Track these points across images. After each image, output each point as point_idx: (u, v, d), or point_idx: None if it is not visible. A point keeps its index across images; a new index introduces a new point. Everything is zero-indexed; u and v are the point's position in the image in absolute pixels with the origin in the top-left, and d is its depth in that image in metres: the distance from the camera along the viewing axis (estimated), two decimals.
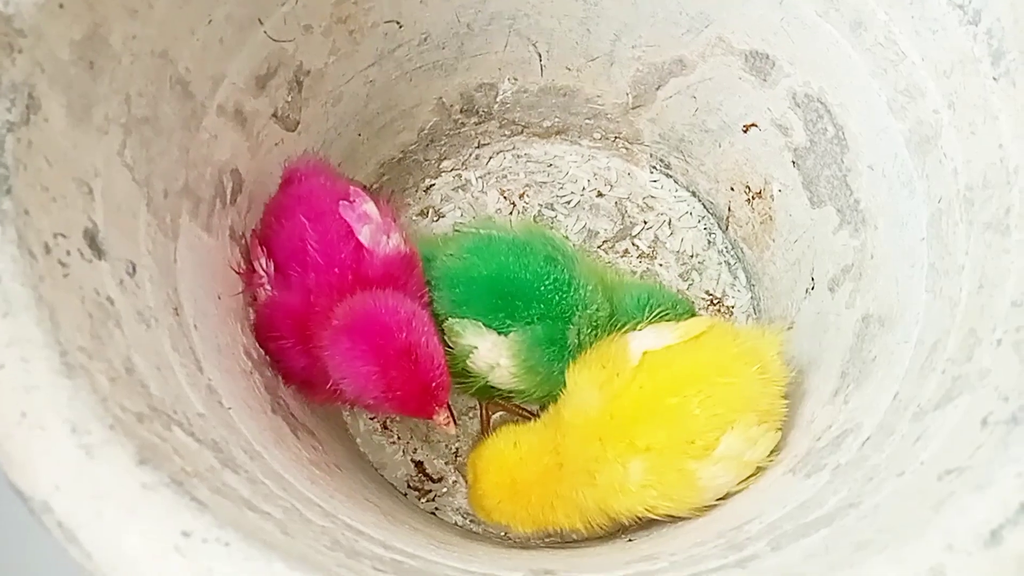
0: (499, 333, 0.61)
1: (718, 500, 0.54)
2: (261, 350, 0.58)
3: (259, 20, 0.57)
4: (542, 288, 0.61)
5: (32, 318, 0.35)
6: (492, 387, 0.63)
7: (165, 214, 0.50)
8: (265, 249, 0.59)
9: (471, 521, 0.69)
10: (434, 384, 0.54)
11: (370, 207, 0.60)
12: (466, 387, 0.65)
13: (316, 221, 0.58)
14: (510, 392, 0.63)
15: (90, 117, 0.44)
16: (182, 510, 0.32)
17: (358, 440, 0.72)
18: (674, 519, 0.57)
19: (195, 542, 0.32)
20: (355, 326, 0.54)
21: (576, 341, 0.60)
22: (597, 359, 0.58)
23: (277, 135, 0.63)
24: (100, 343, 0.38)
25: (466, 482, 0.70)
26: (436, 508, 0.70)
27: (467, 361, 0.61)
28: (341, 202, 0.59)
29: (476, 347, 0.61)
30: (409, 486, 0.71)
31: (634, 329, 0.59)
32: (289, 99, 0.63)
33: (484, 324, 0.61)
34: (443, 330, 0.61)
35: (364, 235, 0.58)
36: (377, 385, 0.53)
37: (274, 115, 0.62)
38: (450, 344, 0.62)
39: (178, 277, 0.50)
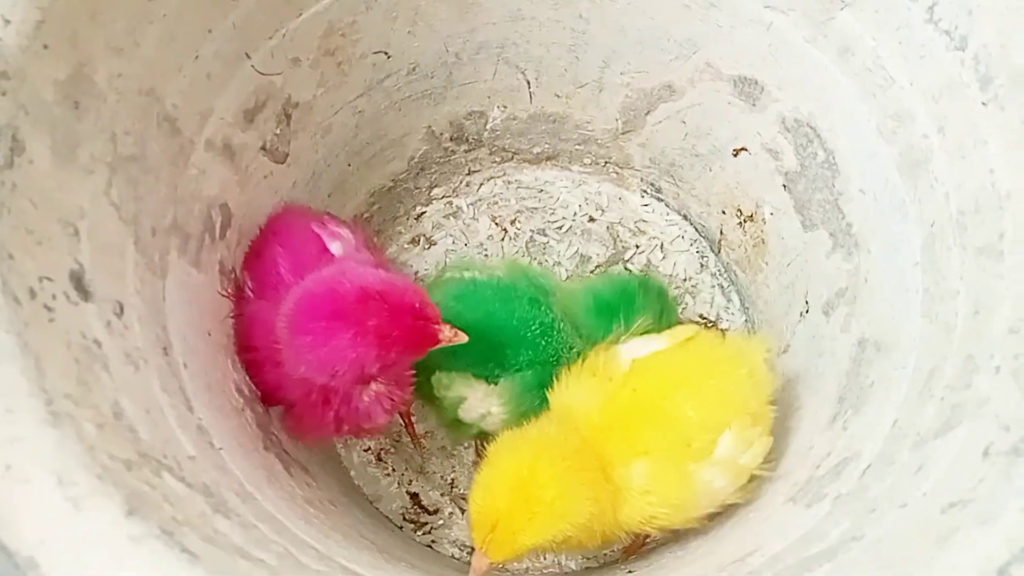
0: (488, 382, 0.60)
1: (715, 513, 0.54)
2: (253, 385, 0.58)
3: (246, 54, 0.57)
4: (529, 334, 0.60)
5: (17, 367, 0.34)
6: (485, 433, 0.62)
7: (153, 252, 0.49)
8: (248, 272, 0.59)
9: (468, 553, 0.68)
10: (418, 304, 0.52)
11: (344, 230, 0.60)
12: (459, 436, 0.65)
13: (288, 247, 0.58)
14: None
15: (75, 157, 0.44)
16: (172, 562, 0.32)
17: (352, 473, 0.71)
18: (675, 536, 0.57)
19: None
20: (317, 300, 0.52)
21: None
22: (587, 369, 0.58)
23: (266, 168, 0.63)
24: (87, 389, 0.38)
25: (463, 512, 0.70)
26: (432, 541, 0.69)
27: (458, 411, 0.61)
28: (314, 224, 0.60)
29: (466, 398, 0.60)
30: (405, 519, 0.70)
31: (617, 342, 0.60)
32: (278, 132, 0.63)
33: (473, 375, 0.60)
34: (431, 383, 0.61)
35: (335, 248, 0.59)
36: (367, 341, 0.50)
37: (263, 148, 0.62)
38: (439, 396, 0.61)
39: (167, 315, 0.49)
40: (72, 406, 0.36)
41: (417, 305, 0.52)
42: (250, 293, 0.58)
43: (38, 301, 0.38)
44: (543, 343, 0.60)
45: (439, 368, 0.60)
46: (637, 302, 0.65)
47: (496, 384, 0.60)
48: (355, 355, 0.50)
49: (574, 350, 0.60)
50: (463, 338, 0.54)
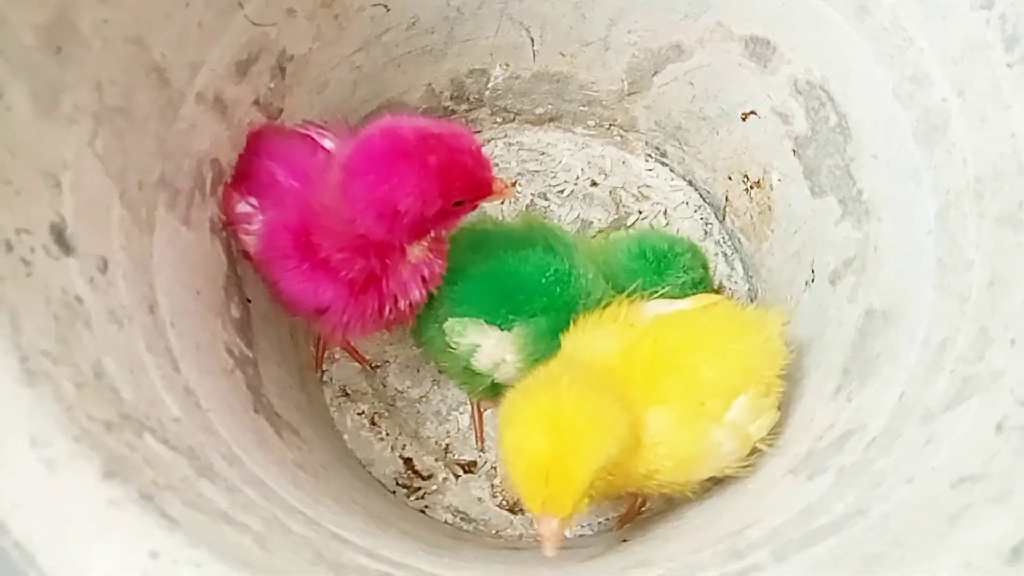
0: (501, 329, 0.59)
1: (710, 482, 0.54)
2: (244, 346, 0.56)
3: (239, 3, 0.55)
4: (543, 280, 0.59)
5: None
6: (498, 385, 0.60)
7: (140, 207, 0.48)
8: (244, 190, 0.57)
9: (461, 519, 0.67)
10: (474, 148, 0.51)
11: (322, 129, 0.60)
12: (472, 387, 0.63)
13: (279, 156, 0.57)
14: None
15: (58, 106, 0.42)
16: (151, 528, 0.30)
17: (345, 437, 0.70)
18: (670, 506, 0.56)
19: (165, 563, 0.30)
20: (378, 141, 0.51)
21: None
22: (607, 316, 0.57)
23: (259, 123, 0.61)
24: (67, 346, 0.36)
25: (456, 478, 0.69)
26: (426, 506, 0.68)
27: (471, 360, 0.59)
28: (298, 128, 0.60)
29: (479, 345, 0.59)
30: (398, 483, 0.69)
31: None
32: (272, 86, 0.61)
33: (486, 321, 0.59)
34: (444, 330, 0.59)
35: (328, 144, 0.58)
36: (429, 178, 0.49)
37: (256, 102, 0.60)
38: (452, 345, 0.59)
39: (154, 273, 0.48)
40: (50, 364, 0.34)
41: (474, 149, 0.51)
42: (252, 209, 0.56)
43: (15, 254, 0.37)
44: (558, 290, 0.58)
45: (452, 315, 0.59)
46: (684, 260, 0.64)
47: (510, 331, 0.58)
48: (419, 192, 0.49)
49: (592, 297, 0.59)
50: (512, 192, 0.54)
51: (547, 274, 0.59)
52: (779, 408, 0.55)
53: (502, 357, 0.59)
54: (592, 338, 0.56)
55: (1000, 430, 0.36)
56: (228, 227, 0.57)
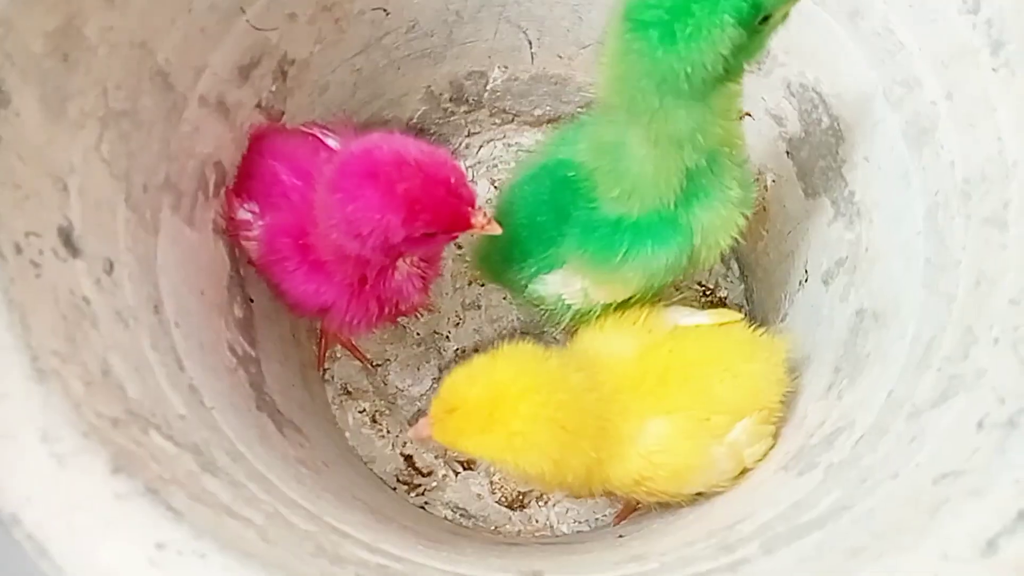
0: (557, 269, 0.57)
1: (704, 495, 0.54)
2: (247, 345, 0.57)
3: (241, 9, 0.56)
4: (549, 207, 0.56)
5: (2, 322, 0.34)
6: (610, 305, 0.57)
7: (145, 209, 0.49)
8: (245, 195, 0.58)
9: (461, 515, 0.68)
10: (455, 180, 0.49)
11: (325, 129, 0.60)
12: (567, 323, 0.60)
13: (282, 156, 0.58)
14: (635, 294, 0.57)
15: (65, 111, 0.43)
16: (158, 520, 0.32)
17: (347, 434, 0.71)
18: (660, 507, 0.57)
19: (170, 554, 0.31)
20: (354, 160, 0.50)
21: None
22: (629, 318, 0.57)
23: (262, 125, 0.62)
24: (74, 345, 0.37)
25: (456, 475, 0.70)
26: (426, 502, 0.69)
27: (568, 307, 0.58)
28: (302, 127, 0.60)
29: (560, 294, 0.57)
30: (399, 480, 0.70)
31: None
32: (274, 89, 0.62)
33: (544, 274, 0.57)
34: (533, 304, 0.59)
35: (332, 142, 0.59)
36: (394, 205, 0.48)
37: (258, 105, 0.61)
38: (548, 308, 0.59)
39: (159, 273, 0.49)
40: (59, 363, 0.35)
41: (453, 181, 0.49)
42: (251, 215, 0.57)
43: (24, 257, 0.38)
44: (570, 195, 0.54)
45: (522, 286, 0.58)
46: None
47: (564, 265, 0.56)
48: (380, 218, 0.48)
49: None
50: (496, 229, 0.51)
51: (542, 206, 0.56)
52: (775, 437, 0.55)
53: (580, 287, 0.57)
54: (609, 337, 0.57)
55: (981, 427, 0.37)
56: (230, 233, 0.58)
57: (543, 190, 0.57)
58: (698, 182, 0.51)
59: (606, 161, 0.51)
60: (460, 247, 0.74)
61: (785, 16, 0.46)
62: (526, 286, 0.59)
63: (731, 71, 0.45)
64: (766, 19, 0.44)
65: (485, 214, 0.50)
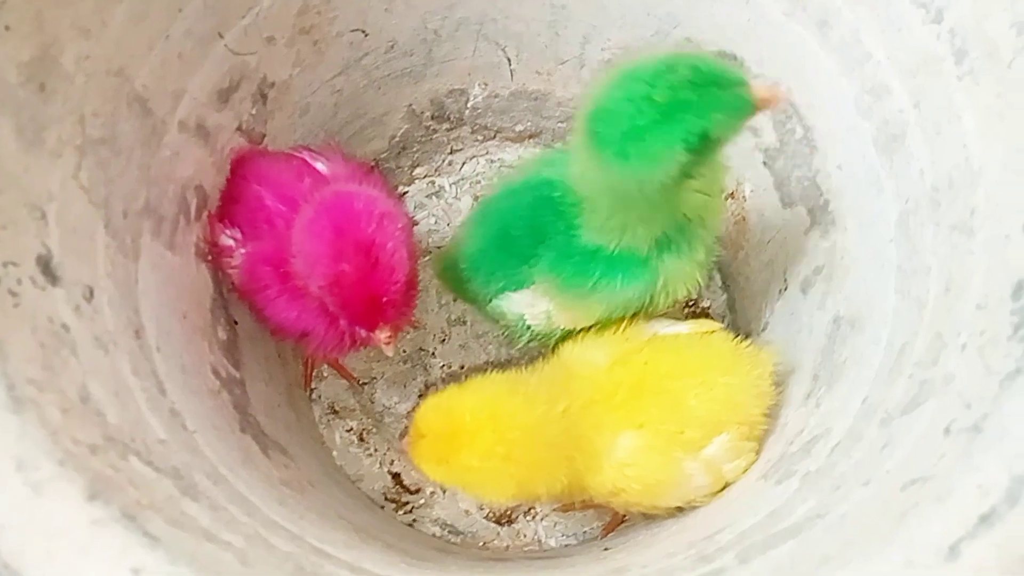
0: (525, 288, 0.58)
1: (682, 507, 0.54)
2: (231, 367, 0.58)
3: (219, 34, 0.56)
4: (519, 227, 0.57)
5: None
6: (573, 332, 0.58)
7: (125, 235, 0.49)
8: (228, 221, 0.59)
9: (449, 532, 0.69)
10: (385, 297, 0.51)
11: (315, 153, 0.61)
12: (550, 342, 0.61)
13: (268, 180, 0.59)
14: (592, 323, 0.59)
15: (42, 140, 0.44)
16: (133, 546, 0.32)
17: (334, 453, 0.71)
18: (645, 518, 0.57)
19: None
20: (325, 204, 0.52)
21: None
22: (608, 329, 0.57)
23: (245, 148, 0.62)
24: (52, 373, 0.38)
25: (444, 492, 0.70)
26: (414, 520, 0.69)
27: (528, 328, 0.59)
28: (290, 151, 0.61)
29: (523, 313, 0.58)
30: (387, 498, 0.70)
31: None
32: (254, 112, 0.62)
33: (511, 291, 0.58)
34: (493, 319, 0.60)
35: (321, 166, 0.60)
36: (325, 272, 0.50)
37: (239, 128, 0.61)
38: (507, 325, 0.60)
39: (140, 298, 0.49)
40: (35, 391, 0.36)
41: (384, 299, 0.51)
42: (234, 242, 0.58)
43: (2, 286, 0.38)
44: (548, 217, 0.55)
45: (486, 303, 0.60)
46: None
47: (532, 286, 0.57)
48: (310, 275, 0.51)
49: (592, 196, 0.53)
50: (390, 352, 0.54)
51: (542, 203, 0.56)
52: (758, 452, 0.55)
53: (544, 309, 0.57)
54: (585, 346, 0.57)
55: (948, 432, 0.37)
56: (212, 259, 0.58)
57: (521, 206, 0.57)
58: (672, 235, 0.53)
59: (596, 196, 0.52)
60: (429, 254, 0.75)
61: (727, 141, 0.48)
62: (489, 301, 0.60)
63: (688, 175, 0.47)
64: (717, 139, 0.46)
65: (388, 337, 0.53)
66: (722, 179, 0.55)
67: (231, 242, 0.58)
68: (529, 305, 0.58)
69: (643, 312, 0.57)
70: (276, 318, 0.57)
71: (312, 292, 0.53)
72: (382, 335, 0.52)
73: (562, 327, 0.58)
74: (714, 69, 0.44)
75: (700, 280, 0.56)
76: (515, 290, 0.58)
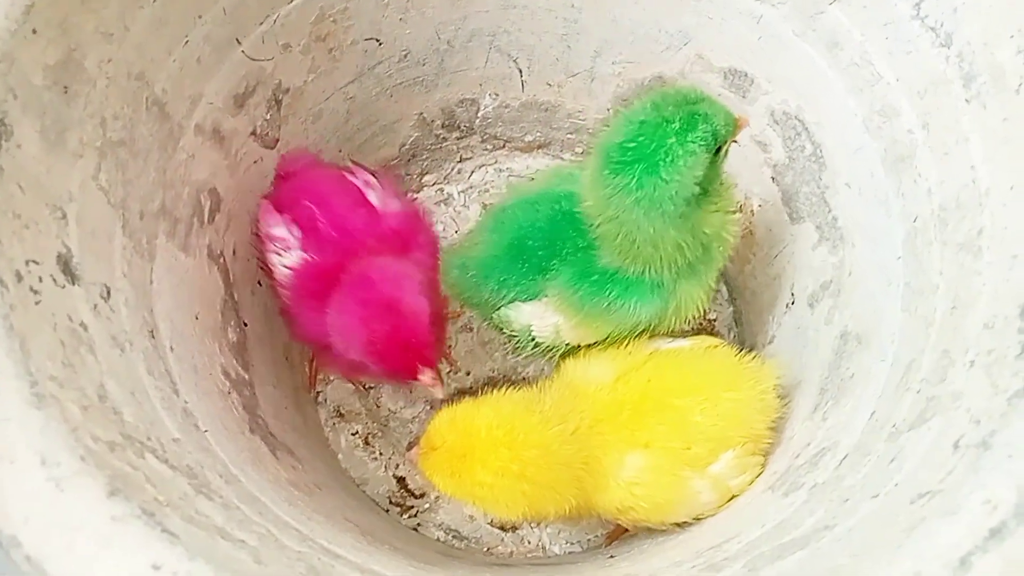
0: (537, 299, 0.58)
1: (691, 521, 0.54)
2: (240, 368, 0.58)
3: (237, 40, 0.57)
4: (535, 238, 0.58)
5: (2, 349, 0.35)
6: (575, 347, 0.59)
7: (141, 236, 0.50)
8: (288, 215, 0.60)
9: (453, 537, 0.69)
10: (415, 340, 0.53)
11: (370, 177, 0.63)
12: (553, 356, 0.62)
13: (322, 203, 0.60)
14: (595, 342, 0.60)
15: (64, 142, 0.44)
16: (153, 542, 0.32)
17: (340, 456, 0.71)
18: (650, 531, 0.57)
19: (165, 575, 0.31)
20: (347, 281, 0.55)
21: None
22: (611, 346, 0.58)
23: (256, 153, 0.63)
24: (72, 371, 0.38)
25: (448, 497, 0.70)
26: (418, 524, 0.69)
27: (532, 339, 0.60)
28: (344, 172, 0.63)
29: (530, 324, 0.59)
30: (391, 502, 0.70)
31: None
32: (268, 117, 0.63)
33: (521, 301, 0.59)
34: (498, 326, 0.61)
35: (372, 198, 0.61)
36: (360, 337, 0.53)
37: (253, 133, 0.62)
38: (512, 334, 0.61)
39: (154, 299, 0.50)
40: (57, 388, 0.36)
41: (415, 341, 0.53)
42: (294, 238, 0.59)
43: (24, 284, 0.39)
44: (568, 232, 0.57)
45: (493, 311, 0.60)
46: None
47: (543, 298, 0.58)
48: (347, 341, 0.54)
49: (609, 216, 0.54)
50: (439, 394, 0.56)
51: (533, 229, 0.58)
52: (763, 465, 0.55)
53: (552, 323, 0.58)
54: (589, 363, 0.57)
55: (956, 448, 0.38)
56: (256, 239, 0.59)
57: (540, 217, 0.58)
58: (692, 261, 0.55)
59: (611, 230, 0.54)
60: None
61: (727, 151, 0.54)
62: (497, 309, 0.60)
63: (705, 191, 0.52)
64: (719, 149, 0.52)
65: (432, 375, 0.54)
66: (733, 197, 0.57)
67: (287, 235, 0.59)
68: (538, 317, 0.58)
69: (649, 332, 0.58)
70: (306, 326, 0.58)
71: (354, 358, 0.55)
72: (426, 378, 0.54)
73: (567, 342, 0.59)
74: (693, 89, 0.51)
75: (704, 306, 0.58)
76: (525, 300, 0.59)
